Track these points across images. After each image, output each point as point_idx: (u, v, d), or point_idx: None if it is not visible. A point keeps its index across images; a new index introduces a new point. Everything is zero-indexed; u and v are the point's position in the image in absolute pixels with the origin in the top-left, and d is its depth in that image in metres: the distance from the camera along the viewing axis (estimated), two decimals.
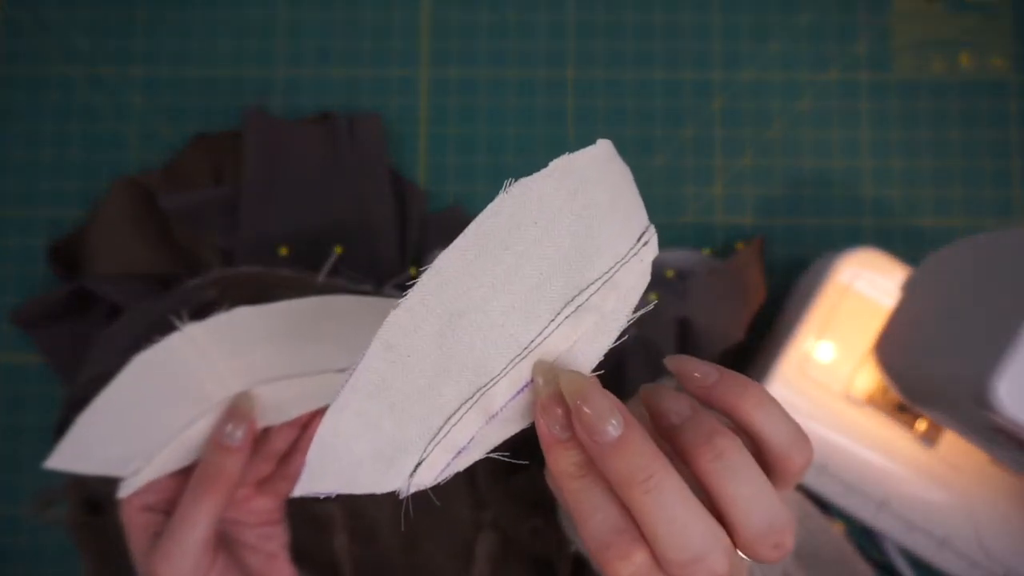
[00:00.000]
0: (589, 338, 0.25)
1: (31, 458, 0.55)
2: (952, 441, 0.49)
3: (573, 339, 0.24)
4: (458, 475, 0.48)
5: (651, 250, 0.26)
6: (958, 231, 0.56)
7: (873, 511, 0.49)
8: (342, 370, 0.35)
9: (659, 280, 0.53)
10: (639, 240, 0.26)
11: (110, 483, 0.47)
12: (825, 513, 0.53)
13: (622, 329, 0.25)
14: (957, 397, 0.37)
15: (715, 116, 0.57)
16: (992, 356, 0.34)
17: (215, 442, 0.34)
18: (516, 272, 0.24)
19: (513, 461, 0.25)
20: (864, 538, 0.53)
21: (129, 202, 0.54)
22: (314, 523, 0.47)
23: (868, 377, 0.50)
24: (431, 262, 0.23)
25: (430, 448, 0.25)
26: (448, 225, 0.56)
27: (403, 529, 0.48)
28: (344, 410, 0.24)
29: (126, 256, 0.53)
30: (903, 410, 0.49)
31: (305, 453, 0.36)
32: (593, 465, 0.23)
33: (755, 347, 0.54)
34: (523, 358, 0.24)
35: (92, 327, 0.52)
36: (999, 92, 0.57)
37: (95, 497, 0.48)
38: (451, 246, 0.23)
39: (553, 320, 0.24)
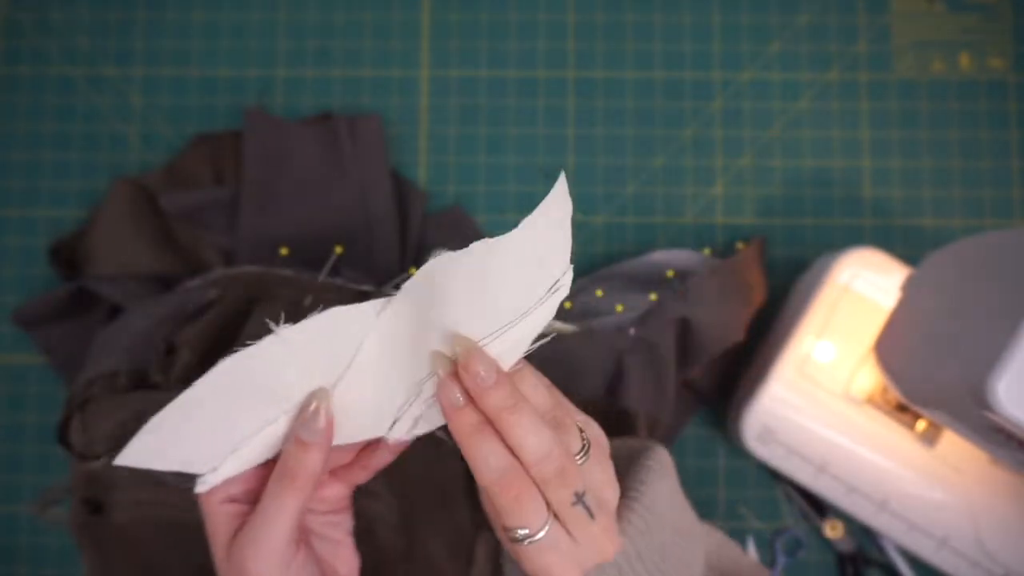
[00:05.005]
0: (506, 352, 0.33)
1: (31, 458, 0.55)
2: (952, 441, 0.49)
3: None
4: (458, 475, 0.48)
5: (560, 295, 0.33)
6: (958, 231, 0.56)
7: (873, 511, 0.49)
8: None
9: (659, 280, 0.53)
10: (550, 289, 0.33)
11: (112, 484, 0.47)
12: (823, 514, 0.53)
13: (525, 351, 0.33)
14: (957, 397, 0.37)
15: (715, 116, 0.57)
16: (992, 356, 0.34)
17: (296, 439, 0.34)
18: (464, 302, 0.31)
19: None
20: (864, 538, 0.53)
21: (129, 202, 0.54)
22: None
23: (868, 377, 0.50)
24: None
25: (402, 410, 0.34)
26: (448, 225, 0.55)
27: (403, 529, 0.48)
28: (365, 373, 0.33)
29: (126, 256, 0.53)
30: (903, 410, 0.49)
31: (387, 445, 0.36)
32: (483, 423, 0.31)
33: (755, 347, 0.54)
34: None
35: (92, 327, 0.52)
36: (998, 92, 0.57)
37: (97, 497, 0.48)
38: (419, 272, 0.31)
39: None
